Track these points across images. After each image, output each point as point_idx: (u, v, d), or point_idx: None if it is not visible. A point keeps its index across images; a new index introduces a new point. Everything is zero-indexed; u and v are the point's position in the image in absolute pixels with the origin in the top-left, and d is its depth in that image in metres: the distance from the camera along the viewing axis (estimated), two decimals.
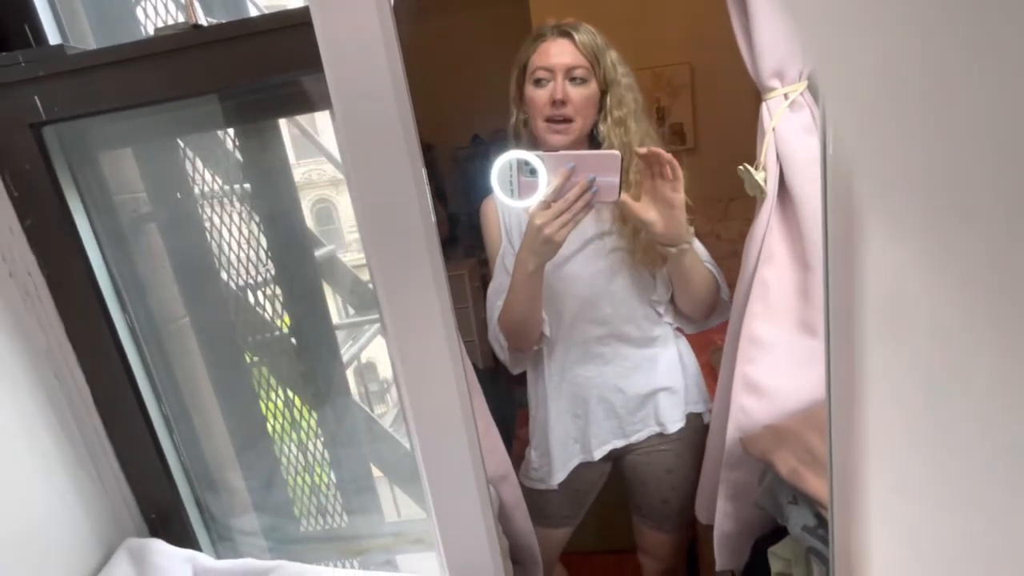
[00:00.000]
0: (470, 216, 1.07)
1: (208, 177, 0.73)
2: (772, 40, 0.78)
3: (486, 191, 1.02)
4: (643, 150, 0.75)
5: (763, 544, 0.86)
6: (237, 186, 0.74)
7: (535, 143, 0.94)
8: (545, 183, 0.71)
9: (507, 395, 1.84)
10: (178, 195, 0.69)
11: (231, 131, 0.71)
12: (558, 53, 0.86)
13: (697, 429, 1.03)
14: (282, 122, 0.79)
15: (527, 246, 0.80)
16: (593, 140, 0.93)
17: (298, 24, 0.49)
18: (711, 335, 1.28)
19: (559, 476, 1.04)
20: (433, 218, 0.52)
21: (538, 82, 0.87)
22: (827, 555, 0.60)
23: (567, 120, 0.87)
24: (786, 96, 0.80)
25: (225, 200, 0.74)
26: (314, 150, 1.27)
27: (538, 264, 0.80)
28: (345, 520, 0.82)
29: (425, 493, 0.55)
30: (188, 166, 0.72)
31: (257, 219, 0.75)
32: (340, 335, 1.46)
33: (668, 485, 1.05)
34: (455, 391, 0.52)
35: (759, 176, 0.88)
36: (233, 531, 0.69)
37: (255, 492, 0.75)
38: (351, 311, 1.29)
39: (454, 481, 0.55)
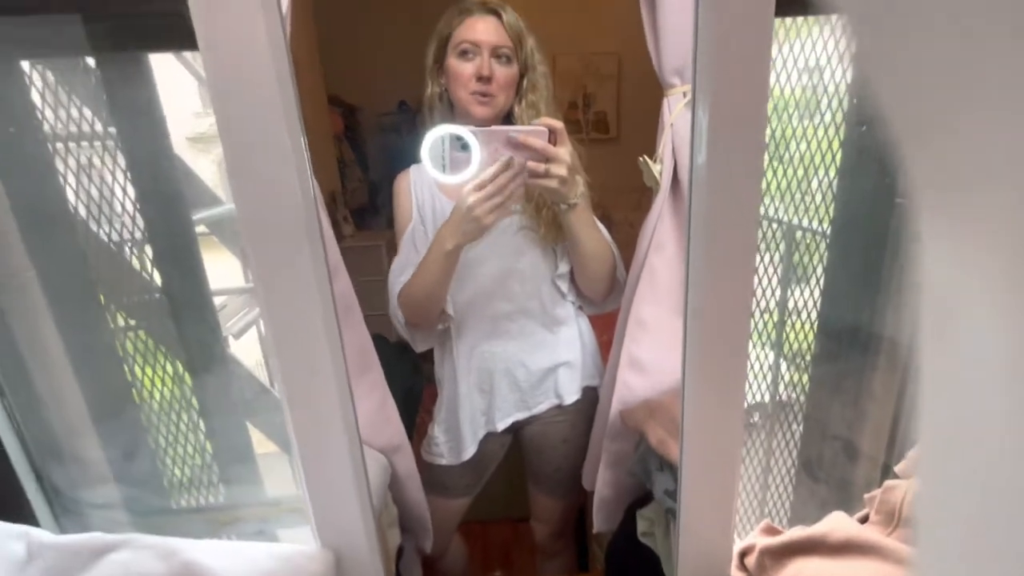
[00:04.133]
0: (392, 185, 1.03)
1: (62, 113, 0.64)
2: (676, 39, 0.82)
3: (410, 159, 1.00)
4: (542, 120, 0.76)
5: (634, 508, 0.94)
6: (99, 127, 0.66)
7: (454, 115, 0.93)
8: (477, 158, 0.71)
9: (416, 370, 1.83)
10: (16, 129, 0.60)
11: (92, 60, 0.63)
12: (485, 30, 0.86)
13: (592, 401, 1.10)
14: (169, 63, 0.71)
15: (453, 225, 0.79)
16: (507, 120, 0.93)
17: None
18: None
19: (469, 452, 1.06)
20: (312, 179, 0.50)
21: (464, 54, 0.87)
22: None
23: (490, 95, 0.87)
24: (684, 94, 0.84)
25: (84, 141, 0.65)
26: None
27: (458, 244, 0.80)
28: (221, 492, 0.78)
29: (295, 460, 0.54)
30: (35, 96, 0.63)
31: (123, 166, 0.67)
32: (240, 300, 1.37)
33: (562, 454, 1.12)
34: (328, 359, 0.51)
35: (655, 168, 0.93)
36: (82, 504, 0.63)
37: (115, 463, 0.69)
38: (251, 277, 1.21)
39: (325, 448, 0.55)
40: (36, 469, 0.60)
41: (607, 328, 1.12)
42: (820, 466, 0.78)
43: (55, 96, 0.64)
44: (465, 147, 0.71)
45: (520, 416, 1.07)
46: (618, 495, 1.00)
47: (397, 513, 0.97)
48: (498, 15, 0.88)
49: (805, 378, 0.84)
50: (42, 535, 0.54)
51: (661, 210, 0.92)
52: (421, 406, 1.74)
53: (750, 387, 0.89)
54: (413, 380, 1.78)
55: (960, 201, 0.14)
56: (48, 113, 0.63)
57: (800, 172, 0.82)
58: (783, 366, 0.91)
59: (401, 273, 0.94)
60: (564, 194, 0.79)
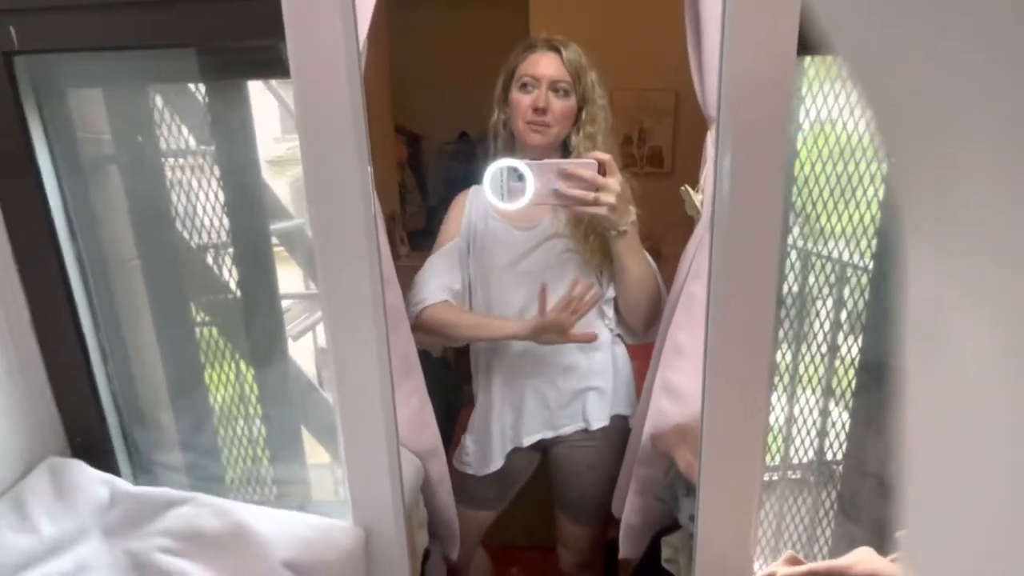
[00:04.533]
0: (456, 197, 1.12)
1: (174, 128, 0.76)
2: (717, 74, 0.86)
3: (468, 186, 1.08)
4: (592, 153, 0.82)
5: (661, 535, 0.92)
6: (203, 145, 0.78)
7: (513, 142, 1.00)
8: (531, 188, 0.79)
9: (457, 387, 1.88)
10: (141, 139, 0.72)
11: (202, 86, 0.75)
12: (546, 65, 0.94)
13: (621, 431, 1.10)
14: (259, 91, 0.82)
15: (532, 329, 0.94)
16: (564, 149, 1.00)
17: None
18: None
19: (496, 463, 1.09)
20: (375, 200, 0.57)
21: (524, 87, 0.95)
22: None
23: (546, 125, 0.94)
24: None
25: (188, 154, 0.77)
26: None
27: (524, 340, 0.95)
28: (270, 471, 0.86)
29: (340, 454, 0.60)
30: (156, 114, 0.75)
31: (217, 177, 0.78)
32: (300, 305, 1.49)
33: (588, 480, 1.11)
34: (375, 361, 0.57)
35: (697, 198, 0.95)
36: (156, 464, 0.72)
37: (184, 433, 0.78)
38: (311, 286, 1.33)
39: (366, 434, 0.60)
40: (124, 428, 0.69)
41: (638, 352, 1.13)
42: (854, 504, 0.75)
43: (170, 115, 0.76)
44: (521, 178, 0.79)
45: (546, 435, 1.09)
46: (646, 521, 0.99)
47: (427, 517, 1.00)
48: (559, 51, 0.95)
49: (845, 415, 0.81)
50: (123, 484, 0.62)
51: (701, 238, 0.93)
52: (459, 424, 1.78)
53: (797, 430, 0.87)
54: (453, 397, 1.83)
55: (945, 212, 0.15)
56: (163, 129, 0.76)
57: (867, 216, 0.80)
58: (830, 404, 0.88)
59: (429, 279, 1.00)
60: (614, 221, 0.84)
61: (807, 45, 0.48)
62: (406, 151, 2.93)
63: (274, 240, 0.95)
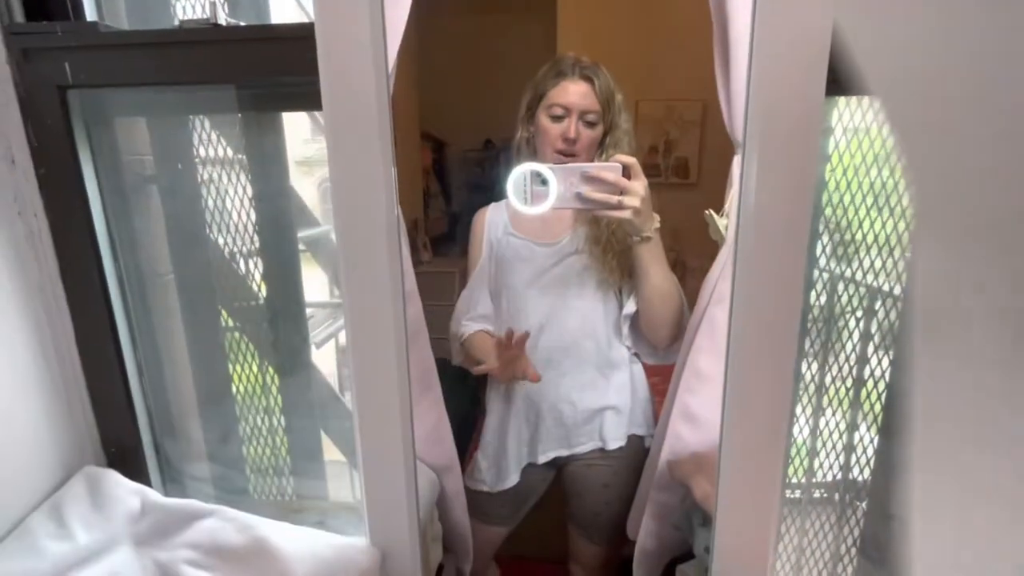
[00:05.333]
0: (472, 216, 1.14)
1: (212, 152, 0.79)
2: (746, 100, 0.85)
3: (491, 194, 1.10)
4: (616, 156, 0.82)
5: (676, 563, 0.92)
6: (237, 166, 0.81)
7: (538, 160, 1.01)
8: (555, 192, 0.79)
9: (474, 398, 1.89)
10: (181, 165, 0.75)
11: (239, 116, 0.78)
12: (577, 95, 0.94)
13: (637, 451, 1.09)
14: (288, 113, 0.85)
15: (499, 368, 0.98)
16: None
17: (303, 36, 0.55)
18: None
19: (511, 480, 1.10)
20: (399, 220, 0.58)
21: (555, 117, 0.95)
22: None
23: (574, 155, 0.95)
24: None
25: (224, 175, 0.80)
26: None
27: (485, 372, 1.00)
28: (291, 484, 0.88)
29: (359, 467, 0.61)
30: (195, 139, 0.79)
31: (250, 195, 0.81)
32: (324, 313, 1.53)
33: (603, 499, 1.11)
34: (395, 375, 0.59)
35: (721, 223, 0.94)
36: (184, 475, 0.76)
37: (211, 444, 0.81)
38: (336, 292, 1.35)
39: (385, 457, 0.61)
40: (156, 440, 0.73)
41: (655, 371, 1.12)
42: (875, 545, 0.73)
43: (208, 139, 0.79)
44: (545, 182, 0.79)
45: (562, 453, 1.09)
46: (661, 548, 0.98)
47: (441, 531, 1.01)
48: (591, 81, 0.95)
49: (870, 450, 0.79)
50: (153, 495, 0.65)
51: (725, 263, 0.92)
52: (475, 434, 1.79)
53: (819, 459, 0.85)
54: (469, 408, 1.84)
55: (952, 206, 0.15)
56: (201, 151, 0.79)
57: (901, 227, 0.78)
58: (856, 437, 0.86)
59: (467, 309, 1.04)
60: (638, 226, 0.83)
61: (839, 86, 0.48)
62: (431, 157, 2.97)
63: (300, 246, 0.98)
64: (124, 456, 0.71)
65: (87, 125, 0.64)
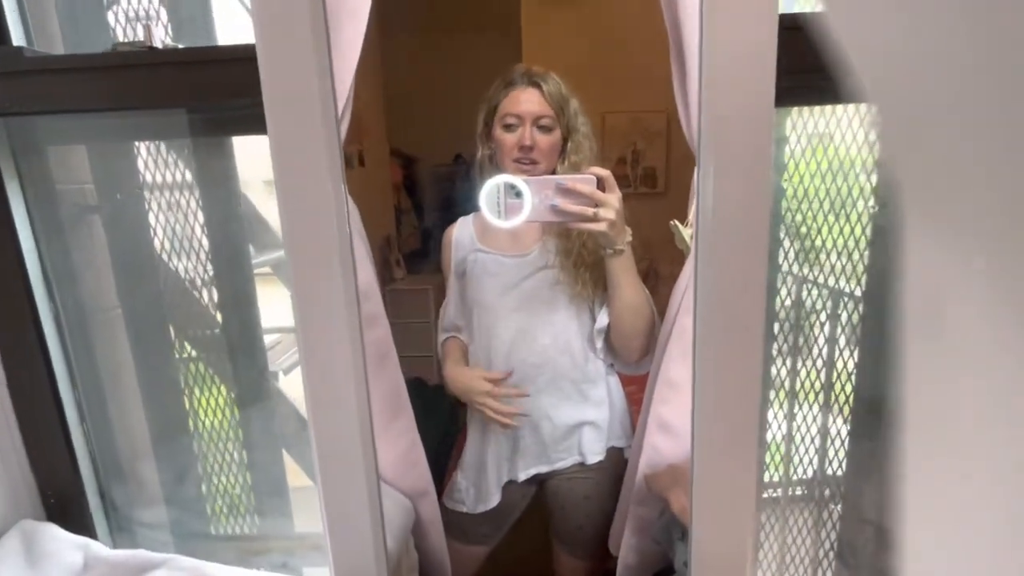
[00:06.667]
0: (444, 232, 1.13)
1: (160, 178, 0.76)
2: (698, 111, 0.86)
3: (463, 209, 1.08)
4: (591, 168, 0.82)
5: None
6: (186, 192, 0.77)
7: None
8: (529, 205, 0.78)
9: (453, 416, 1.86)
10: (122, 194, 0.71)
11: (189, 141, 0.75)
12: (527, 101, 0.94)
13: (617, 462, 1.08)
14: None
15: (466, 390, 1.00)
16: None
17: (247, 58, 0.53)
18: None
19: (493, 500, 1.07)
20: (352, 242, 0.56)
21: (508, 127, 0.95)
22: None
23: (533, 162, 0.94)
24: None
25: (172, 203, 0.77)
26: None
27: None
28: (256, 522, 0.84)
29: (319, 499, 0.58)
30: (141, 165, 0.75)
31: (201, 222, 0.78)
32: (292, 337, 1.47)
33: (584, 512, 1.09)
34: (354, 403, 0.56)
35: (686, 233, 0.95)
36: (134, 523, 0.70)
37: (166, 486, 0.76)
38: None
39: (346, 490, 0.58)
40: (101, 486, 0.68)
41: (631, 380, 1.11)
42: (852, 552, 0.73)
43: (156, 164, 0.75)
44: (519, 194, 0.78)
45: (542, 469, 1.07)
46: (642, 563, 0.97)
47: (418, 559, 0.98)
48: (539, 87, 0.95)
49: (841, 454, 0.80)
50: (99, 548, 0.60)
51: (691, 272, 0.93)
52: (455, 451, 1.75)
53: (793, 462, 0.85)
54: (448, 425, 1.81)
55: (946, 202, 0.15)
56: (148, 177, 0.75)
57: (859, 232, 0.80)
58: (827, 440, 0.87)
59: (445, 326, 1.05)
60: (612, 238, 0.83)
61: (790, 95, 0.48)
62: (401, 173, 2.94)
63: (267, 270, 0.94)
64: (64, 506, 0.66)
65: (14, 154, 0.60)
